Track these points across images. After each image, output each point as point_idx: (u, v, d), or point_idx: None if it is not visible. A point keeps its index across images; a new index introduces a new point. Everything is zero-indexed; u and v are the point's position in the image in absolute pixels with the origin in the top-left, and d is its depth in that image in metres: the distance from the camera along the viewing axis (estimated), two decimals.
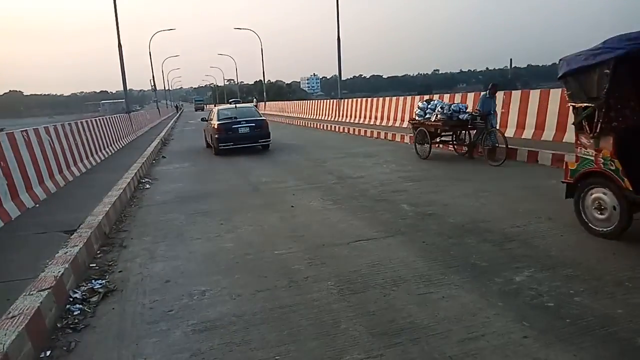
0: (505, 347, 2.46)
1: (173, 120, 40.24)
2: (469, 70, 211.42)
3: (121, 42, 20.94)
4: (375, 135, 14.94)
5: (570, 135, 8.55)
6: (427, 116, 9.40)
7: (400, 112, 15.94)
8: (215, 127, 12.36)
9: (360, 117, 19.66)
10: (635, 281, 3.14)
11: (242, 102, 38.47)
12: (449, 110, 8.86)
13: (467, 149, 9.27)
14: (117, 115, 17.28)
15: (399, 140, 13.20)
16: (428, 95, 12.85)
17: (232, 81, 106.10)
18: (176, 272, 3.89)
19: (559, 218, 4.69)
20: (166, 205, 6.52)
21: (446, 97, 12.58)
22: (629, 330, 2.54)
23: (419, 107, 9.83)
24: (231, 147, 12.21)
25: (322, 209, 5.72)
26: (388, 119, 16.83)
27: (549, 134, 9.34)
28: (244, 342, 2.69)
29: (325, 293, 3.28)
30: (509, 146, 8.09)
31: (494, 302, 2.98)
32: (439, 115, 8.98)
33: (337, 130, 18.68)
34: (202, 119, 15.59)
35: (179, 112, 65.91)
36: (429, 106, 9.47)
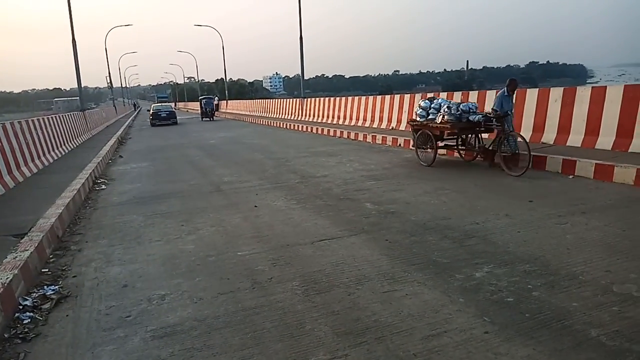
0: (468, 342, 2.50)
1: (131, 118, 39.08)
2: (427, 71, 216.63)
3: (75, 38, 20.13)
4: (338, 134, 14.99)
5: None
6: (430, 117, 8.18)
7: (363, 111, 16.08)
8: (151, 112, 28.94)
9: (323, 116, 19.70)
10: (587, 275, 3.27)
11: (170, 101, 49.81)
12: (458, 111, 7.70)
13: (475, 154, 8.20)
14: (71, 113, 16.57)
15: (362, 139, 13.30)
16: (432, 93, 11.33)
17: (192, 79, 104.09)
18: (134, 276, 3.75)
19: (517, 215, 4.83)
20: (123, 207, 6.29)
21: (443, 95, 10.95)
22: (583, 323, 2.63)
23: (420, 107, 8.50)
24: (157, 124, 27.80)
25: (285, 209, 5.67)
26: (351, 118, 16.94)
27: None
28: (206, 347, 2.61)
29: (289, 294, 3.24)
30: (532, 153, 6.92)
31: (455, 299, 3.03)
32: (445, 116, 7.77)
33: (300, 129, 18.65)
34: (148, 110, 32.46)
35: (137, 111, 64.23)
36: (432, 105, 8.23)
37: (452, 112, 7.71)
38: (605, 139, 7.64)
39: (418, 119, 8.50)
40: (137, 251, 4.36)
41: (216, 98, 37.82)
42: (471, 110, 7.73)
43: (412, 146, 9.07)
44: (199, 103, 34.07)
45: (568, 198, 5.48)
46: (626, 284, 3.10)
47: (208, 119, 31.64)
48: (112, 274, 3.80)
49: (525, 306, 2.87)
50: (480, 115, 7.59)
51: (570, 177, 6.71)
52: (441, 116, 7.89)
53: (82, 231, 5.19)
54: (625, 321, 2.63)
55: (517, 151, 7.19)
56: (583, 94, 8.17)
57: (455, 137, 8.27)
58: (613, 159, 6.54)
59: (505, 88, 7.55)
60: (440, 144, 8.33)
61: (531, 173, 6.80)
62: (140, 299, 3.30)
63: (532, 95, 9.19)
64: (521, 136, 7.17)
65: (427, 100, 8.48)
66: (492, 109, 7.54)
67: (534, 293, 3.04)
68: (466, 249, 3.94)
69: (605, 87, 8.01)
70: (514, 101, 7.73)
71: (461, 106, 7.75)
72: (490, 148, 7.53)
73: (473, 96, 10.67)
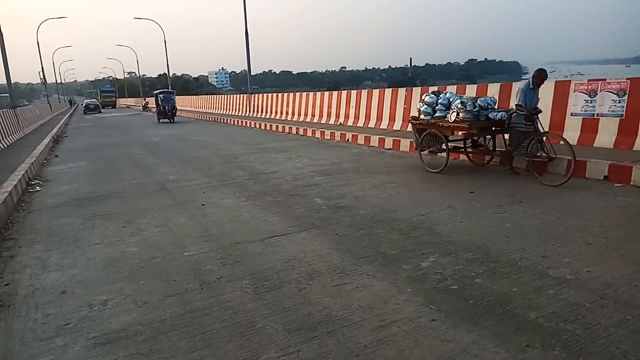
0: (416, 331, 2.56)
1: (67, 116, 37.06)
2: (373, 68, 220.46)
3: (1, 30, 18.79)
4: (287, 130, 14.94)
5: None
6: (438, 114, 7.00)
7: (311, 107, 16.11)
8: (83, 105, 48.91)
9: (271, 112, 19.55)
10: (525, 261, 3.44)
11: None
12: (475, 107, 6.52)
13: (489, 157, 7.21)
14: (1, 110, 15.47)
15: (310, 135, 13.33)
16: (436, 87, 9.62)
17: (133, 74, 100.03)
18: (73, 281, 3.55)
19: (459, 205, 5.01)
20: (60, 209, 5.95)
21: (451, 88, 9.30)
22: (523, 307, 2.77)
23: (424, 103, 7.21)
24: (87, 112, 44.51)
25: (234, 206, 5.58)
26: (299, 114, 16.92)
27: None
28: (153, 352, 2.52)
29: (239, 293, 3.19)
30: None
31: (403, 289, 3.09)
32: (460, 114, 6.56)
33: (247, 125, 18.42)
34: (81, 104, 46.97)
35: (73, 108, 61.28)
36: (440, 100, 7.05)
37: (468, 108, 6.51)
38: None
39: (423, 116, 7.22)
40: (75, 255, 4.14)
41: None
42: (490, 106, 6.61)
43: (416, 148, 7.76)
44: (154, 99, 26.59)
45: None
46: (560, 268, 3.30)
47: (167, 120, 23.54)
48: (49, 281, 3.59)
49: (469, 293, 2.98)
50: (503, 113, 6.47)
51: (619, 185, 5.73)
52: (454, 113, 6.66)
53: (15, 236, 4.85)
54: (560, 303, 2.79)
55: (554, 155, 6.03)
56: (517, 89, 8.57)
57: (465, 137, 7.21)
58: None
59: (530, 80, 6.37)
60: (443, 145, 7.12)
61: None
62: (81, 305, 3.13)
63: (471, 91, 9.57)
64: (562, 138, 6.05)
65: (432, 95, 7.23)
66: (516, 105, 6.33)
67: (477, 280, 3.17)
68: (412, 240, 4.04)
69: None
70: (539, 95, 6.56)
71: (478, 101, 6.61)
72: (512, 150, 6.45)
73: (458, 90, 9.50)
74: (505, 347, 2.37)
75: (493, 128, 6.73)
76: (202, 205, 5.71)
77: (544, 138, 6.11)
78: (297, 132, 14.17)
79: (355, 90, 14.10)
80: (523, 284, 3.07)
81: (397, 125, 11.60)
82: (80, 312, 3.04)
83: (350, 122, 13.62)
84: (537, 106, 6.32)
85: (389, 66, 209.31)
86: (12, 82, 21.09)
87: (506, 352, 2.33)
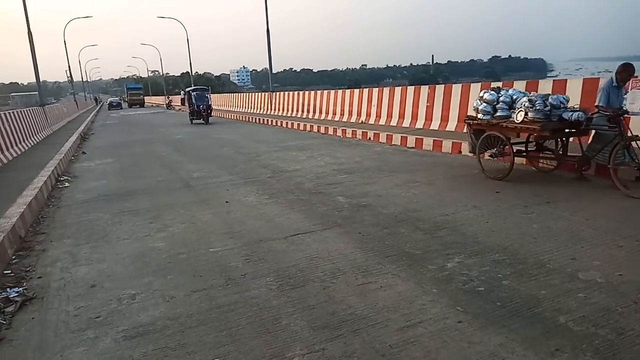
0: (442, 332, 2.54)
1: (93, 113, 37.88)
2: (394, 65, 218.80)
3: (31, 30, 19.29)
4: (308, 128, 14.97)
5: None
6: (499, 113, 6.20)
7: (332, 105, 16.10)
8: (107, 102, 59.98)
9: (292, 110, 19.62)
10: (554, 263, 3.38)
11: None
12: (546, 106, 5.68)
13: (558, 163, 6.30)
14: (30, 108, 15.90)
15: (332, 133, 13.32)
16: (496, 84, 9.40)
17: (157, 72, 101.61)
18: (102, 275, 3.64)
19: (484, 205, 4.95)
20: (88, 205, 6.09)
21: (519, 85, 8.80)
22: (552, 310, 2.72)
23: (484, 100, 6.42)
24: (111, 109, 52.92)
25: (257, 204, 5.62)
26: (320, 112, 16.93)
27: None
28: (180, 346, 2.56)
29: (264, 289, 3.22)
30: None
31: (428, 289, 3.07)
32: (529, 113, 5.74)
33: (269, 123, 18.51)
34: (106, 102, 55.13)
35: (99, 105, 63.23)
36: (502, 98, 6.25)
37: (538, 107, 5.69)
38: None
39: (480, 115, 6.45)
40: (104, 250, 4.23)
41: (182, 92, 32.08)
42: (562, 105, 5.75)
43: (470, 152, 7.06)
44: (185, 98, 23.81)
45: None
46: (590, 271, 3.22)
47: (201, 121, 20.56)
48: (79, 274, 3.68)
49: (496, 295, 2.94)
50: (581, 113, 5.60)
51: None
52: (521, 113, 5.86)
53: (46, 230, 4.99)
54: (590, 307, 2.73)
55: None
56: (545, 86, 8.41)
57: (531, 140, 6.49)
58: None
59: (614, 76, 5.53)
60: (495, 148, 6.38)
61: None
62: (110, 298, 3.21)
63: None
64: None
65: (491, 92, 6.46)
66: (596, 105, 5.56)
67: (504, 282, 3.12)
68: (437, 240, 4.00)
69: (566, 80, 8.29)
70: (624, 95, 5.78)
71: (550, 99, 5.77)
72: (589, 156, 5.70)
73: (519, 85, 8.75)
74: (534, 350, 2.34)
75: (567, 130, 5.91)
76: (226, 202, 5.78)
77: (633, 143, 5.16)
78: (318, 130, 14.18)
79: (377, 88, 14.03)
80: (552, 286, 3.02)
81: (419, 124, 11.50)
82: (110, 305, 3.11)
83: (371, 121, 13.56)
84: (623, 106, 5.55)
85: (410, 63, 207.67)
86: (40, 80, 21.65)
87: (535, 355, 2.30)
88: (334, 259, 3.70)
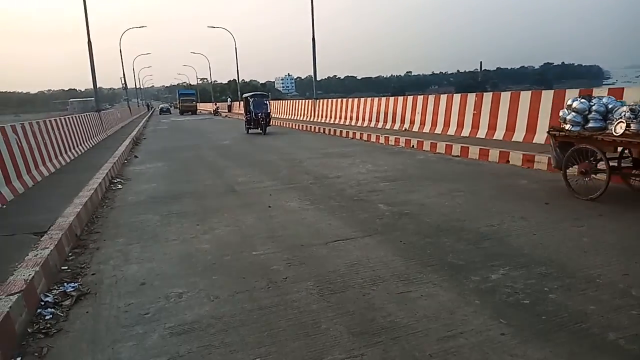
0: (484, 344, 2.50)
1: (145, 119, 39.50)
2: (440, 72, 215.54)
3: (91, 39, 20.45)
4: (350, 135, 15.01)
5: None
6: (591, 124, 5.50)
7: (375, 112, 16.06)
8: (158, 108, 70.55)
9: (335, 117, 19.73)
10: (604, 278, 3.24)
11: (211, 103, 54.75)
12: None
13: None
14: (87, 113, 16.83)
15: (374, 140, 13.30)
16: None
17: (205, 80, 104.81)
18: (151, 274, 3.81)
19: (532, 217, 4.80)
20: (139, 206, 6.38)
21: (571, 93, 8.34)
22: (601, 326, 2.61)
23: (573, 110, 5.71)
24: (161, 114, 59.58)
25: (299, 209, 5.70)
26: (363, 119, 16.94)
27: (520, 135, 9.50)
28: (223, 345, 2.65)
29: (304, 293, 3.27)
30: None
31: (471, 300, 3.02)
32: (632, 125, 4.96)
33: (312, 130, 18.68)
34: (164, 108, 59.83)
35: (151, 111, 67.04)
36: (594, 107, 5.56)
37: None
38: None
39: (569, 126, 5.72)
40: (154, 250, 4.43)
41: (228, 99, 29.40)
42: None
43: (555, 167, 6.17)
44: (243, 104, 21.95)
45: None
46: None
47: (259, 130, 18.07)
48: (130, 272, 3.87)
49: (541, 308, 2.86)
50: None
51: None
52: (621, 124, 5.08)
53: (100, 230, 5.27)
54: None
55: None
56: (599, 95, 8.06)
57: (622, 155, 5.64)
58: None
59: None
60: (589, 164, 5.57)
61: None
62: (158, 296, 3.35)
63: (547, 96, 9.12)
64: None
65: (582, 100, 5.75)
66: None
67: (550, 295, 3.03)
68: (481, 250, 3.93)
69: (623, 88, 7.90)
70: None
71: None
72: None
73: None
74: None
75: None
76: (269, 207, 5.89)
77: None
78: (360, 137, 14.19)
79: (422, 95, 13.88)
80: (601, 302, 2.90)
81: (465, 132, 11.29)
82: (158, 303, 3.25)
83: (415, 128, 13.44)
84: None
85: (457, 70, 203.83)
86: (97, 87, 22.86)
87: None
88: (374, 266, 3.70)
